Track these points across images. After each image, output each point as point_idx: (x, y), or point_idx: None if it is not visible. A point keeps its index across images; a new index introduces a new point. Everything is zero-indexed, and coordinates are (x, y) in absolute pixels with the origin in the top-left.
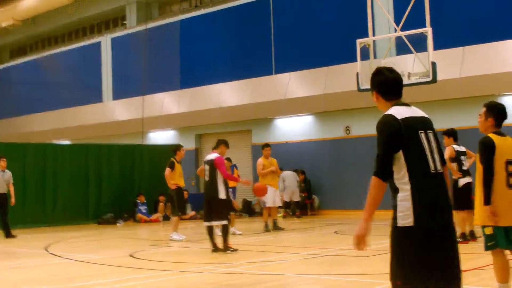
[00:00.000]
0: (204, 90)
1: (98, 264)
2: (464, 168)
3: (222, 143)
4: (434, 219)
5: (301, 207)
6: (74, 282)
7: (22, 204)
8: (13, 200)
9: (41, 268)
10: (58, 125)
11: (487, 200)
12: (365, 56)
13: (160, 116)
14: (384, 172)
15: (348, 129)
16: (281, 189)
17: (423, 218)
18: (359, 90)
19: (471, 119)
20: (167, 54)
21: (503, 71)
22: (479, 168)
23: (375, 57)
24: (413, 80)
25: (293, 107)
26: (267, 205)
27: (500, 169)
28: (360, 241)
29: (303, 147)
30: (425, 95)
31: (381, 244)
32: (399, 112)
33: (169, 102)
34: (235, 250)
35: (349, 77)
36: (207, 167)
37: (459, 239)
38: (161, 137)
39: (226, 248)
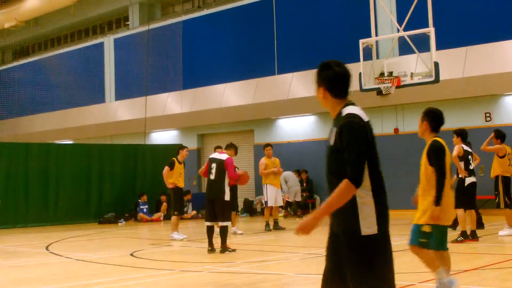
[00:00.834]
0: (207, 90)
1: (99, 263)
2: (471, 167)
3: (233, 147)
4: (388, 226)
5: (303, 207)
6: (74, 281)
7: (25, 204)
8: None
9: (41, 267)
10: (61, 125)
11: (438, 202)
12: (368, 56)
13: (163, 116)
14: (360, 179)
15: None
16: (285, 190)
17: (383, 225)
18: (362, 90)
19: (474, 119)
20: (169, 54)
21: (506, 71)
22: (427, 170)
23: (377, 57)
24: (416, 80)
25: (295, 107)
26: (268, 205)
27: (447, 172)
28: (304, 232)
29: (305, 147)
30: (428, 95)
31: None
32: (361, 113)
33: (171, 102)
34: (234, 250)
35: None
36: (214, 165)
37: (460, 238)
38: (163, 137)
39: (225, 249)
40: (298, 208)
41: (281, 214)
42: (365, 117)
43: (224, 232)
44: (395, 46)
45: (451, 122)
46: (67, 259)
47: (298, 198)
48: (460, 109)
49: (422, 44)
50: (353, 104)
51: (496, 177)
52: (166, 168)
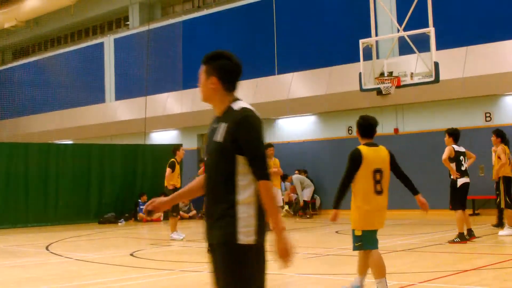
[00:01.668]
0: None
1: (99, 263)
2: (463, 168)
3: None
4: (265, 235)
5: (303, 208)
6: (74, 281)
7: (25, 204)
8: None
9: (41, 267)
10: (61, 125)
11: (336, 204)
12: (368, 56)
13: (163, 116)
14: (269, 174)
15: (350, 129)
16: (300, 194)
17: (261, 235)
18: (362, 90)
19: (474, 119)
20: (169, 54)
21: (506, 70)
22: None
23: (377, 57)
24: (416, 80)
25: (295, 107)
26: None
27: (369, 177)
28: (289, 256)
29: (306, 147)
30: (428, 95)
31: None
32: (255, 110)
33: (171, 102)
34: None
35: (352, 77)
36: None
37: (457, 239)
38: (163, 137)
39: None
40: (306, 209)
41: (282, 214)
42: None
43: None
44: (395, 46)
45: (451, 122)
46: (67, 259)
47: (308, 198)
48: (460, 109)
49: (422, 44)
50: (238, 99)
51: (499, 178)
52: (168, 170)
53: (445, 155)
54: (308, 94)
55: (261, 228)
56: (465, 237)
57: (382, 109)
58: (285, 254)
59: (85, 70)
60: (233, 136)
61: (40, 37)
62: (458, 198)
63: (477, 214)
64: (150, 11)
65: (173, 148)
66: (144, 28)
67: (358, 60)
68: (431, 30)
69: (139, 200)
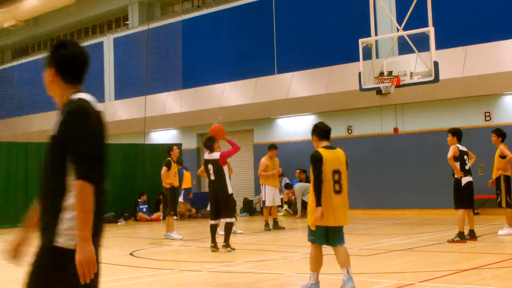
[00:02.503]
0: (206, 89)
1: (98, 263)
2: (467, 167)
3: (212, 141)
4: (99, 239)
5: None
6: None
7: (25, 203)
8: None
9: None
10: None
11: (318, 203)
12: (367, 55)
13: (162, 116)
14: (96, 175)
15: (350, 129)
16: (298, 202)
17: (93, 238)
18: (361, 89)
19: (474, 118)
20: (169, 54)
21: (505, 70)
22: (311, 177)
23: (377, 57)
24: (416, 79)
25: (295, 106)
26: (266, 205)
27: (328, 178)
28: (91, 266)
29: (305, 146)
30: (428, 95)
31: (380, 244)
32: (94, 102)
33: (171, 101)
34: (233, 249)
35: (351, 77)
36: (210, 166)
37: (456, 238)
38: (163, 136)
39: (227, 245)
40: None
41: (280, 214)
42: (98, 107)
43: (228, 229)
44: (395, 46)
45: (450, 122)
46: None
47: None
48: (459, 109)
49: (421, 44)
50: (86, 92)
51: (498, 176)
52: (164, 168)
53: (450, 154)
54: (308, 94)
55: (92, 231)
56: (465, 236)
57: (382, 108)
58: (82, 266)
59: None
60: (65, 128)
61: (40, 37)
62: (462, 197)
63: (477, 214)
64: (150, 11)
65: (167, 148)
66: (144, 27)
67: (358, 60)
68: (430, 30)
69: (139, 200)
